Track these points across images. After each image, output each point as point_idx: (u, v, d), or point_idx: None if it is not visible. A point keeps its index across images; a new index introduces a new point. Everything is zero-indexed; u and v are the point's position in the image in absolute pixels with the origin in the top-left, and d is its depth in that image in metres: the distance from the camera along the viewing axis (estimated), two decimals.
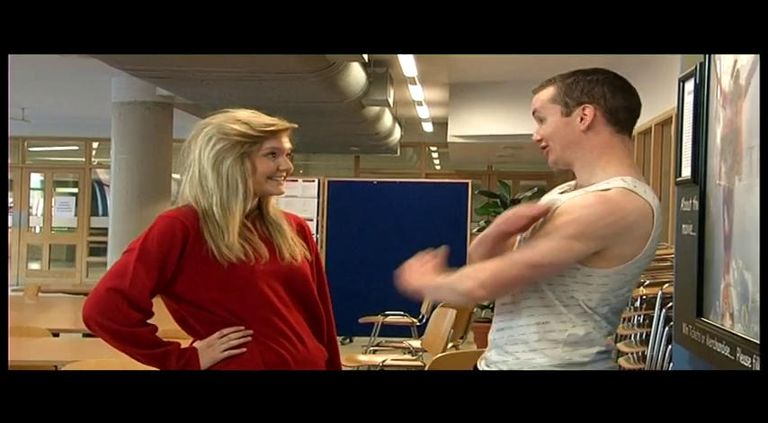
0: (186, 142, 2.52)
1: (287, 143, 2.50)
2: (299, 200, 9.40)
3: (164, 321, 2.48)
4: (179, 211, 2.44)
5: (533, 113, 2.34)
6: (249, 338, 2.41)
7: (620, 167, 2.26)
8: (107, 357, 3.85)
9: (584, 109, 2.27)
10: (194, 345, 2.44)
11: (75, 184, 16.91)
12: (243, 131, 2.43)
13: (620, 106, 2.34)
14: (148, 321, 2.40)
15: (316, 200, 9.74)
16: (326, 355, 2.59)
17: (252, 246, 2.42)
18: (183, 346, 2.43)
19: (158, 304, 2.47)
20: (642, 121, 8.43)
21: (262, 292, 2.43)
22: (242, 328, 2.41)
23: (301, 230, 2.62)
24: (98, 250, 15.70)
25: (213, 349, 2.40)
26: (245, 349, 2.40)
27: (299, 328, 2.49)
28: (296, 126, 2.53)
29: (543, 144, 2.31)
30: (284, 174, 2.48)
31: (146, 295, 2.36)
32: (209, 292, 2.40)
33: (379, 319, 7.85)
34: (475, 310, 8.08)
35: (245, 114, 2.48)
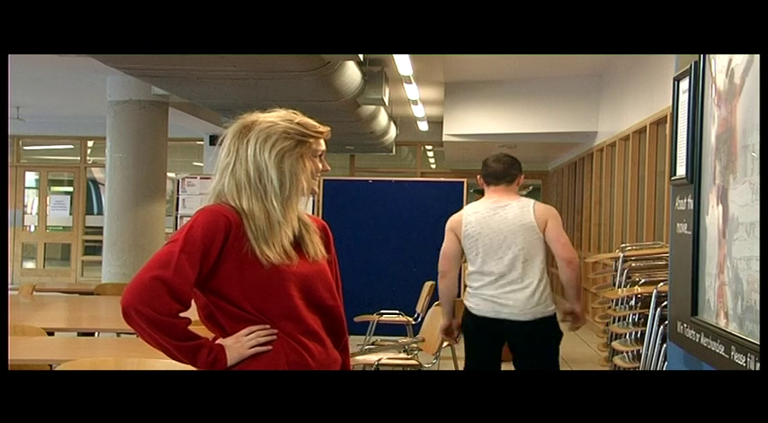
0: (226, 143, 2.52)
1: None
2: None
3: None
4: (221, 207, 2.45)
5: None
6: (275, 337, 2.42)
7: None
8: (102, 356, 3.85)
9: None
10: (219, 341, 2.44)
11: (70, 183, 16.89)
12: (302, 131, 2.50)
13: (482, 173, 4.99)
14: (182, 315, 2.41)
15: (311, 198, 9.74)
16: (341, 359, 2.59)
17: (284, 248, 2.45)
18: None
19: None
20: (637, 120, 8.45)
21: (290, 292, 2.44)
22: (268, 326, 2.42)
23: (325, 234, 2.64)
24: (93, 249, 15.69)
25: (241, 345, 2.40)
26: (271, 347, 2.41)
27: (318, 330, 2.50)
28: (329, 128, 2.63)
29: None
30: (320, 174, 2.58)
31: (188, 287, 2.36)
32: (242, 289, 2.41)
33: (375, 317, 7.85)
34: None
35: (294, 115, 2.55)
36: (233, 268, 2.40)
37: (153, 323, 2.32)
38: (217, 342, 2.44)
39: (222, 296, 2.43)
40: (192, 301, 2.47)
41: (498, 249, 4.61)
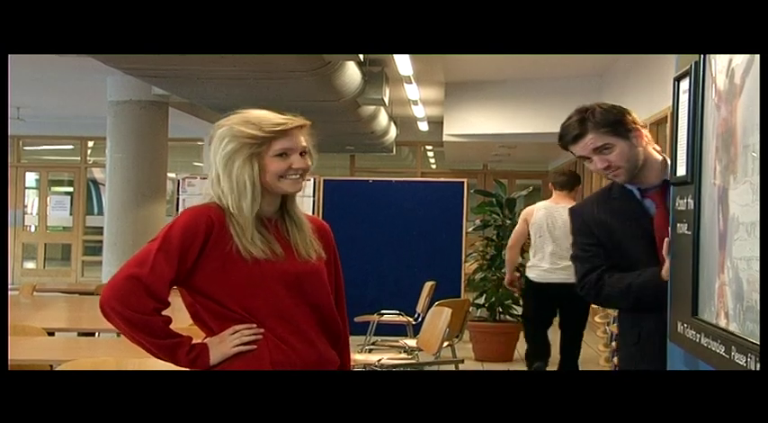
0: (207, 143, 2.57)
1: (301, 141, 2.50)
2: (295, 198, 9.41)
3: (178, 321, 2.49)
4: (206, 206, 2.46)
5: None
6: (260, 337, 2.42)
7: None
8: (102, 356, 3.85)
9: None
10: (205, 340, 2.45)
11: (71, 183, 16.90)
12: (251, 133, 2.44)
13: (551, 182, 7.06)
14: (164, 313, 2.41)
15: (311, 199, 9.75)
16: (338, 360, 2.58)
17: (269, 245, 2.43)
18: (194, 342, 2.44)
19: (177, 303, 2.48)
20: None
21: (276, 290, 2.44)
22: (254, 325, 2.42)
23: (324, 234, 2.62)
24: (93, 249, 15.69)
25: (224, 344, 2.41)
26: (255, 346, 2.41)
27: (309, 330, 2.49)
28: (308, 123, 2.53)
29: None
30: (300, 172, 2.48)
31: (164, 285, 2.38)
32: (227, 287, 2.42)
33: (375, 318, 7.85)
34: (470, 309, 8.09)
35: (255, 115, 2.48)
36: (216, 267, 2.41)
37: (130, 321, 2.35)
38: (200, 341, 2.44)
39: (207, 295, 2.43)
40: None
41: (552, 235, 6.76)
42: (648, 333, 2.96)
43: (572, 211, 3.29)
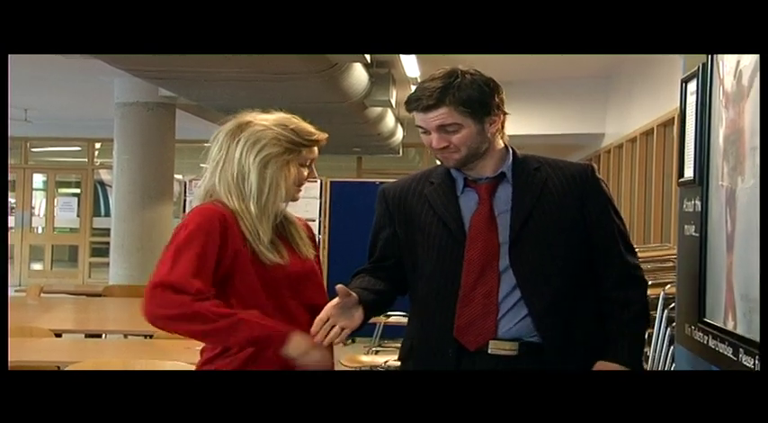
0: (218, 140, 2.51)
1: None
2: (302, 200, 9.34)
3: None
4: (213, 206, 2.42)
5: None
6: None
7: None
8: (109, 358, 3.86)
9: None
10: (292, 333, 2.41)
11: (78, 185, 16.92)
12: (293, 139, 2.46)
13: None
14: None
15: (318, 200, 9.74)
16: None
17: (277, 248, 2.44)
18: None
19: None
20: (645, 122, 8.43)
21: (281, 292, 2.44)
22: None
23: (309, 231, 2.66)
24: (100, 251, 15.71)
25: (316, 348, 2.41)
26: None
27: (305, 330, 2.49)
28: (327, 135, 2.58)
29: None
30: (307, 182, 2.55)
31: (186, 278, 2.31)
32: (234, 289, 2.41)
33: (382, 319, 7.82)
34: None
35: (288, 119, 2.50)
36: (225, 269, 2.39)
37: (173, 318, 2.31)
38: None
39: (226, 294, 2.42)
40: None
41: None
42: (419, 348, 2.72)
43: (380, 191, 2.87)
